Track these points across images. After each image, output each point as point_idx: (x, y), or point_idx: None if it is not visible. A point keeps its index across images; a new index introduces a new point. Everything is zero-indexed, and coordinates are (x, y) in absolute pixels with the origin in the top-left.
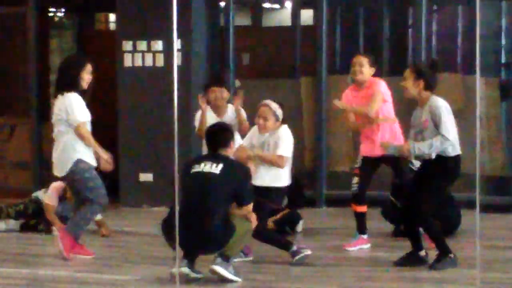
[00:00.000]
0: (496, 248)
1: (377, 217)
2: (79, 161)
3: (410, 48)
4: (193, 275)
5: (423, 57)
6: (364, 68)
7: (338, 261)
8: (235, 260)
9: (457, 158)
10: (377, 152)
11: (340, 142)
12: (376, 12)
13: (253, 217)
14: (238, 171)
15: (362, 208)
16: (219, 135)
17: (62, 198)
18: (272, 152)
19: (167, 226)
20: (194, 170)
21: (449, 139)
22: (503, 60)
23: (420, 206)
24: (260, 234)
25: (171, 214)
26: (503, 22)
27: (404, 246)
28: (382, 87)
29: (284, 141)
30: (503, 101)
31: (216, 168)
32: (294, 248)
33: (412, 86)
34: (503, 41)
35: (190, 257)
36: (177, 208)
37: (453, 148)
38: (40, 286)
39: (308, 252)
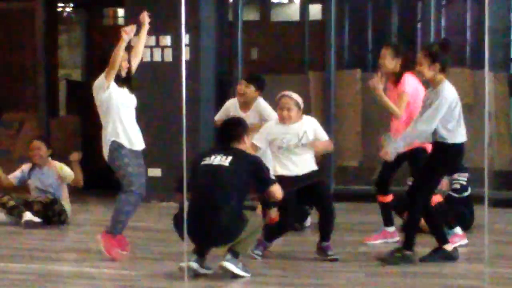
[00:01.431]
0: (505, 243)
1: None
2: (113, 144)
3: (419, 43)
4: (202, 271)
5: None
6: (386, 60)
7: (347, 257)
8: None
9: (458, 147)
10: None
11: (348, 137)
12: (384, 7)
13: (278, 193)
14: (248, 162)
15: (384, 198)
16: (232, 129)
17: None
18: (310, 141)
19: (178, 220)
20: (204, 162)
21: (417, 128)
22: None
23: (414, 192)
24: (331, 213)
25: (182, 208)
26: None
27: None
28: (407, 86)
29: (319, 127)
30: None
31: (225, 161)
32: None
33: (428, 70)
34: None
35: (200, 252)
36: (185, 201)
37: (453, 136)
38: (49, 281)
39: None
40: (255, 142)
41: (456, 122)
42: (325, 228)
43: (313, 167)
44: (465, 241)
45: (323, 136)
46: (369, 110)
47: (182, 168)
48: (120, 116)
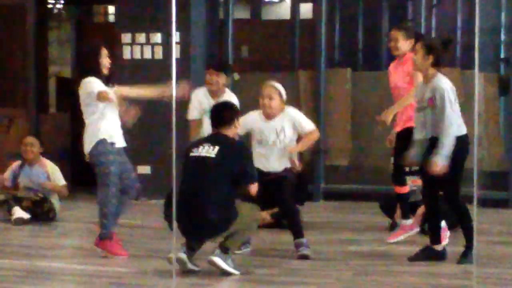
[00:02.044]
0: (494, 243)
1: (375, 211)
2: (97, 140)
3: None
4: (190, 265)
5: None
6: (399, 43)
7: (336, 255)
8: (239, 252)
9: (466, 137)
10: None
11: (338, 136)
12: (375, 6)
13: (254, 190)
14: (236, 152)
15: (401, 189)
16: (223, 113)
17: None
18: (292, 134)
19: (166, 211)
20: (193, 154)
21: (452, 130)
22: (502, 55)
23: (453, 194)
24: (289, 210)
25: (169, 198)
26: (503, 17)
27: (402, 241)
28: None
29: (302, 117)
30: (502, 96)
31: (212, 151)
32: (305, 240)
33: (421, 61)
34: (503, 36)
35: (190, 247)
36: (174, 194)
37: (463, 127)
38: (37, 278)
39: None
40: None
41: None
42: (290, 226)
43: (286, 165)
44: (414, 231)
45: (306, 125)
46: (359, 109)
47: (171, 165)
48: (104, 113)
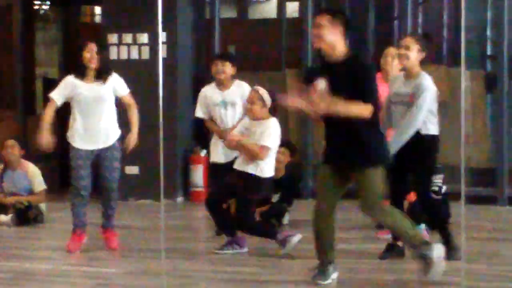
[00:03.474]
0: (482, 240)
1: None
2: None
3: (395, 40)
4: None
5: None
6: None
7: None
8: (230, 251)
9: (436, 137)
10: None
11: None
12: (361, 4)
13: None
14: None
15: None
16: None
17: None
18: (256, 142)
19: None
20: None
21: (418, 120)
22: (488, 52)
23: (422, 191)
24: (243, 224)
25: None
26: (489, 14)
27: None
28: None
29: (271, 133)
30: (488, 94)
31: None
32: (280, 236)
33: (416, 56)
34: (489, 33)
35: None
36: (162, 199)
37: (436, 128)
38: (25, 280)
39: (299, 236)
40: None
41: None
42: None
43: (253, 171)
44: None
45: (263, 140)
46: None
47: (159, 165)
48: (76, 113)
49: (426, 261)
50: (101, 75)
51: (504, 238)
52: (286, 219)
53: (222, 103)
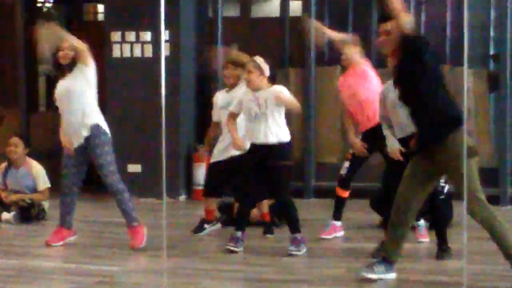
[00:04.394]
0: (483, 240)
1: (366, 209)
2: None
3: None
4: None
5: None
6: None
7: (328, 252)
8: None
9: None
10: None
11: (328, 133)
12: (364, 3)
13: None
14: None
15: (346, 194)
16: None
17: None
18: (271, 106)
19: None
20: None
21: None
22: (491, 51)
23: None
24: (284, 202)
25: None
26: (492, 13)
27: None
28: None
29: (285, 91)
30: (491, 93)
31: None
32: (299, 236)
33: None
34: (492, 33)
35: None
36: (164, 193)
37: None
38: (28, 277)
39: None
40: (231, 109)
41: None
42: (286, 218)
43: (283, 138)
44: (342, 233)
45: (287, 97)
46: None
47: (161, 164)
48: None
49: None
50: (70, 68)
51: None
52: None
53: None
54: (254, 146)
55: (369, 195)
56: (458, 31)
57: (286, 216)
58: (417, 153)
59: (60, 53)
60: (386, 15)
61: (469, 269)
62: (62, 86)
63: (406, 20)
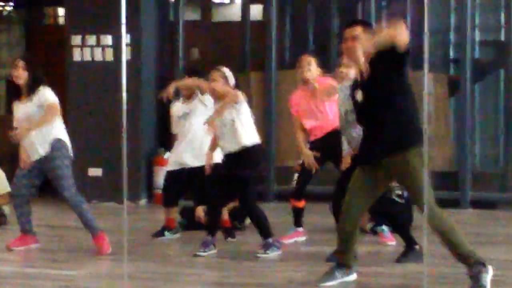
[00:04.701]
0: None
1: (326, 212)
2: None
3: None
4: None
5: None
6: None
7: (288, 256)
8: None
9: None
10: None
11: (289, 137)
12: (325, 8)
13: None
14: None
15: (301, 204)
16: None
17: None
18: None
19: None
20: None
21: None
22: (451, 55)
23: None
24: (253, 210)
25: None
26: (452, 18)
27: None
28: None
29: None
30: (452, 97)
31: None
32: (270, 240)
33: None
34: (452, 37)
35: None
36: (125, 203)
37: None
38: None
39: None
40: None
41: None
42: (254, 226)
43: (244, 143)
44: (304, 238)
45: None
46: None
47: (122, 168)
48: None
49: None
50: (29, 92)
51: (467, 241)
52: (248, 222)
53: (183, 117)
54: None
55: (329, 199)
56: (418, 35)
57: (256, 222)
58: (366, 163)
59: (15, 73)
60: (353, 20)
61: (430, 272)
62: (22, 109)
63: (402, 31)
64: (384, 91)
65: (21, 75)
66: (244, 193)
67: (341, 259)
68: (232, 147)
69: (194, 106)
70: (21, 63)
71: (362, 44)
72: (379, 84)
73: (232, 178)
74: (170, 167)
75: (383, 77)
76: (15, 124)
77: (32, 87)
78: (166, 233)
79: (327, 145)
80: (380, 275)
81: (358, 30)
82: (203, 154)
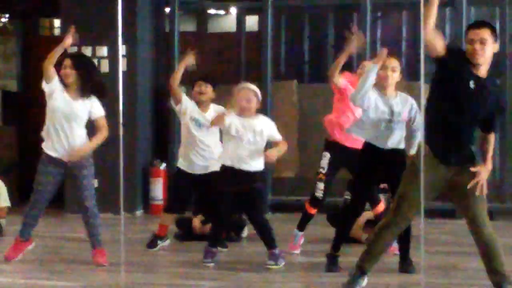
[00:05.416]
0: (440, 253)
1: (323, 223)
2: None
3: (354, 54)
4: None
5: None
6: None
7: (284, 267)
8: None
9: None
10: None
11: None
12: (321, 19)
13: None
14: None
15: (314, 211)
16: None
17: None
18: (264, 137)
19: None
20: None
21: None
22: None
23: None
24: (265, 222)
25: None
26: (447, 28)
27: (350, 253)
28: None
29: (274, 126)
30: None
31: None
32: (277, 251)
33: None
34: None
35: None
36: (122, 211)
37: None
38: None
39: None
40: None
41: None
42: (261, 238)
43: (260, 167)
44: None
45: (277, 136)
46: (305, 121)
47: (119, 179)
48: (50, 122)
49: None
50: (81, 93)
51: (463, 252)
52: (245, 233)
53: (197, 123)
54: (233, 170)
55: (326, 210)
56: (414, 46)
57: (265, 234)
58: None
59: (62, 72)
60: (481, 22)
61: (427, 282)
62: (68, 103)
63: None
64: (486, 111)
65: (69, 74)
66: (256, 205)
67: (367, 266)
68: (255, 166)
69: (210, 118)
70: (69, 62)
71: (489, 48)
72: (488, 102)
73: (243, 192)
74: (181, 166)
75: (493, 99)
76: (51, 115)
77: (83, 90)
78: (158, 241)
79: (349, 154)
80: (379, 286)
81: (487, 33)
82: (211, 164)
